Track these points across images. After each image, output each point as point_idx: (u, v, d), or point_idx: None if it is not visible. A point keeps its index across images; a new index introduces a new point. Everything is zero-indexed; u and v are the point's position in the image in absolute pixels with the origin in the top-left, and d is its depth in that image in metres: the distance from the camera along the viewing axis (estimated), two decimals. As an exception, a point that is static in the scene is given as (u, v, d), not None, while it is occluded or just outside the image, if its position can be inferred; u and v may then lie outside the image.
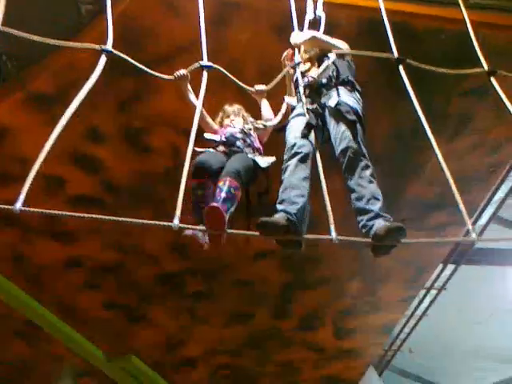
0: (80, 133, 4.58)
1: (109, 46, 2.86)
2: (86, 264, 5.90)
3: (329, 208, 2.34)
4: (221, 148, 3.08)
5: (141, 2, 3.83)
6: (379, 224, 2.41)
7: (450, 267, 7.58)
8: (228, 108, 3.49)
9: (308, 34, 3.38)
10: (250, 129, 3.27)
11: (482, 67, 3.29)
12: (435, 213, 5.64)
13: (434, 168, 5.13)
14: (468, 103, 4.59)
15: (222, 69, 3.11)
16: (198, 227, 2.32)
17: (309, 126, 2.81)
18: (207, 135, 3.16)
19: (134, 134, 4.63)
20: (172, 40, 3.99)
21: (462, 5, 3.77)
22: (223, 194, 2.59)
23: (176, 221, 2.15)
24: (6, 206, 2.00)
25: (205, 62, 3.05)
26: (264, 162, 2.99)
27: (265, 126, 3.30)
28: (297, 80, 3.15)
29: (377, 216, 2.48)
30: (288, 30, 3.62)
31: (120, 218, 2.27)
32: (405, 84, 2.96)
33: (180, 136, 4.30)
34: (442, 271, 7.39)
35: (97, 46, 2.84)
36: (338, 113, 2.84)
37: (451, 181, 2.55)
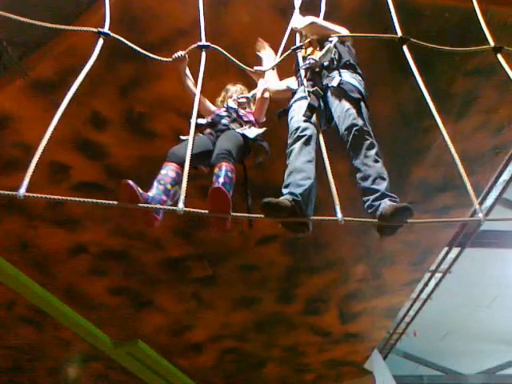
0: (82, 119, 4.57)
1: (106, 28, 2.82)
2: (92, 250, 5.92)
3: (334, 189, 2.31)
4: (207, 130, 3.08)
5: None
6: (385, 204, 2.39)
7: (455, 250, 7.57)
8: (231, 87, 3.48)
9: (308, 19, 3.33)
10: (234, 104, 3.28)
11: (488, 44, 3.24)
12: (440, 195, 5.61)
13: (439, 150, 5.14)
14: (473, 83, 4.54)
15: (219, 48, 3.08)
16: (202, 211, 2.31)
17: (311, 108, 2.78)
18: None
19: (136, 119, 4.61)
20: (173, 23, 3.94)
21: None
22: (221, 179, 2.59)
23: (181, 205, 2.13)
24: (10, 192, 1.98)
25: (203, 42, 3.01)
26: (252, 133, 3.00)
27: (247, 97, 3.29)
28: (297, 64, 3.12)
29: (383, 196, 2.46)
30: (289, 10, 3.59)
31: (123, 204, 2.26)
32: (409, 64, 2.91)
33: (183, 120, 4.26)
34: (447, 254, 7.38)
35: (94, 29, 2.80)
36: (341, 92, 2.81)
37: (458, 161, 2.51)
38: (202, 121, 3.17)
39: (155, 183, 2.65)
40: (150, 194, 2.53)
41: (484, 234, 7.76)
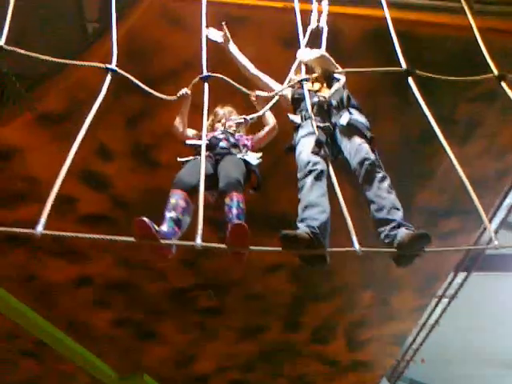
0: (89, 151, 4.59)
1: (113, 64, 2.86)
2: (96, 281, 5.88)
3: (349, 220, 2.32)
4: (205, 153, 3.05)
5: (146, 19, 3.86)
6: (402, 233, 2.40)
7: (461, 275, 7.52)
8: (219, 111, 3.43)
9: (317, 52, 3.36)
10: (231, 126, 3.25)
11: (491, 72, 3.29)
12: (446, 220, 5.61)
13: (444, 175, 5.16)
14: (476, 109, 4.59)
15: (220, 75, 3.09)
16: (221, 245, 2.29)
17: (319, 144, 2.81)
18: (189, 141, 3.14)
19: (142, 150, 4.64)
20: (178, 55, 4.01)
21: (467, 11, 3.79)
22: (235, 211, 2.57)
23: (199, 240, 2.11)
24: (28, 230, 1.97)
25: (204, 73, 3.03)
26: (254, 159, 2.99)
27: (245, 119, 3.27)
28: (302, 96, 3.13)
29: (399, 225, 2.47)
30: (292, 41, 3.64)
31: (144, 241, 2.27)
32: (415, 95, 2.94)
33: (189, 149, 4.31)
34: (453, 279, 7.33)
35: (102, 65, 2.85)
36: (351, 129, 2.84)
37: (468, 185, 2.52)
38: (195, 142, 3.13)
39: (167, 214, 2.61)
40: (164, 228, 2.50)
41: (487, 258, 7.72)
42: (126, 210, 5.08)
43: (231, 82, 3.16)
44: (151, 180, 4.81)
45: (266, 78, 3.48)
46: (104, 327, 6.41)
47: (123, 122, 4.48)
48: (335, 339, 7.17)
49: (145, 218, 2.29)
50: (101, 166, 4.71)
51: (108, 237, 2.20)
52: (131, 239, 2.22)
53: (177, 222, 2.57)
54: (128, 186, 4.93)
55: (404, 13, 3.87)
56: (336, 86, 3.06)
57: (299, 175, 2.77)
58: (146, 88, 3.02)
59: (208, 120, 3.40)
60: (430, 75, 3.11)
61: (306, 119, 3.02)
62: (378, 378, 8.15)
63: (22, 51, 2.61)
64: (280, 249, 2.30)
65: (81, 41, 4.62)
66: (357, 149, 2.73)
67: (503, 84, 3.16)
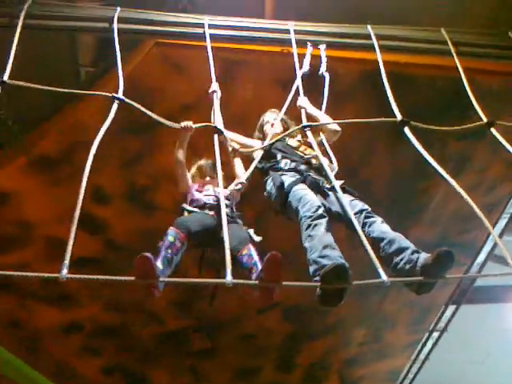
0: (85, 194, 4.53)
1: (120, 94, 2.95)
2: (85, 327, 5.71)
3: (372, 253, 2.32)
4: (209, 211, 3.03)
5: (148, 63, 3.91)
6: (425, 255, 2.42)
7: (450, 308, 7.56)
8: (203, 164, 3.44)
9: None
10: (230, 194, 3.22)
11: (481, 117, 3.42)
12: (436, 254, 5.67)
13: (436, 208, 5.27)
14: (465, 146, 4.73)
15: (226, 135, 3.22)
16: (250, 282, 2.27)
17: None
18: (187, 207, 3.11)
19: (137, 192, 4.61)
20: (178, 99, 4.05)
21: (453, 53, 3.96)
22: (256, 257, 2.60)
23: (229, 277, 2.11)
24: (52, 275, 1.93)
25: (217, 124, 3.11)
26: (257, 238, 2.96)
27: (240, 189, 3.24)
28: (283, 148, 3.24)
29: (418, 250, 2.50)
30: (289, 84, 3.72)
31: (168, 279, 2.33)
32: (412, 143, 3.02)
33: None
34: (443, 312, 7.35)
35: (108, 94, 2.93)
36: (342, 190, 2.92)
37: (477, 210, 2.59)
38: (194, 209, 3.07)
39: (163, 252, 2.60)
40: (159, 264, 2.49)
41: (476, 290, 7.80)
42: (119, 252, 5.00)
43: (231, 142, 3.28)
44: (146, 222, 4.77)
45: (241, 139, 3.52)
46: (93, 375, 6.18)
47: (119, 165, 4.46)
48: (328, 379, 7.06)
49: (148, 254, 2.27)
50: (96, 209, 4.64)
51: (118, 278, 2.21)
52: (132, 278, 2.20)
53: (170, 260, 2.58)
54: (122, 228, 4.86)
55: (397, 55, 4.01)
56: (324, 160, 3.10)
57: (308, 214, 2.77)
58: (154, 115, 3.10)
59: (190, 170, 3.42)
60: (424, 126, 3.20)
61: (289, 168, 3.13)
62: (372, 417, 8.01)
63: (24, 83, 2.60)
64: (316, 284, 2.29)
65: (74, 85, 4.63)
66: (351, 204, 2.83)
67: (493, 130, 3.29)
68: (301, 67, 3.64)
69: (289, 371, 6.85)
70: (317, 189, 3.01)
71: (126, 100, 2.91)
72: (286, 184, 3.03)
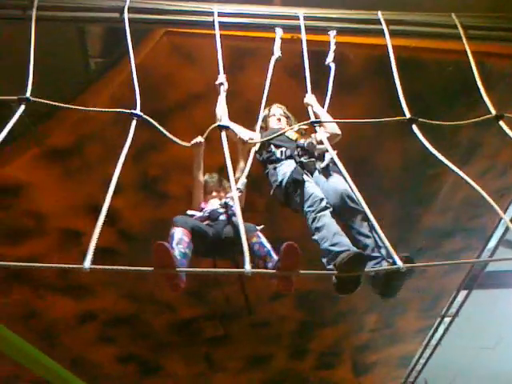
0: (96, 185, 4.56)
1: (138, 109, 2.99)
2: (100, 317, 5.78)
3: (387, 242, 2.34)
4: (205, 222, 3.02)
5: (159, 53, 3.91)
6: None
7: (462, 293, 7.56)
8: (208, 180, 3.42)
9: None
10: (230, 201, 3.18)
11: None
12: (449, 240, 5.68)
13: (446, 196, 5.25)
14: (476, 132, 4.70)
15: (234, 129, 3.19)
16: (270, 271, 2.30)
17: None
18: (190, 212, 3.13)
19: (150, 182, 4.64)
20: (188, 88, 4.06)
21: (463, 37, 3.92)
22: (268, 245, 2.65)
23: (248, 266, 2.13)
24: (76, 266, 1.95)
25: (223, 122, 3.08)
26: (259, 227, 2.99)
27: (241, 191, 3.19)
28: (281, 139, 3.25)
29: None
30: (299, 72, 3.71)
31: (188, 269, 2.34)
32: (420, 141, 3.01)
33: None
34: (454, 298, 7.36)
35: (127, 111, 2.95)
36: (329, 171, 2.98)
37: (488, 198, 2.58)
38: (195, 213, 3.11)
39: (175, 246, 2.60)
40: (177, 256, 2.50)
41: (489, 275, 7.79)
42: (132, 242, 5.05)
43: (238, 132, 3.26)
44: (158, 211, 4.80)
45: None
46: (108, 363, 6.27)
47: (131, 155, 4.48)
48: (341, 364, 7.12)
49: (165, 243, 2.27)
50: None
51: (139, 268, 2.20)
52: (151, 269, 2.20)
53: (184, 255, 2.58)
54: (135, 218, 4.90)
55: (406, 40, 3.98)
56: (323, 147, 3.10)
57: (312, 208, 2.82)
58: (167, 133, 3.14)
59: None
60: (432, 122, 3.17)
61: (286, 156, 3.15)
62: (383, 401, 8.07)
63: (49, 102, 2.62)
64: (334, 272, 2.32)
65: (83, 76, 4.64)
66: (335, 185, 2.87)
67: (501, 123, 3.26)
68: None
69: (301, 358, 6.91)
70: (311, 172, 3.04)
71: (144, 116, 2.95)
72: (285, 178, 3.04)
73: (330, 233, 2.63)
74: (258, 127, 3.39)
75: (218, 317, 6.05)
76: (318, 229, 2.71)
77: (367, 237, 2.65)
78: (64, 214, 4.73)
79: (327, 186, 2.91)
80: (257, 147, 3.30)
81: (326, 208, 2.78)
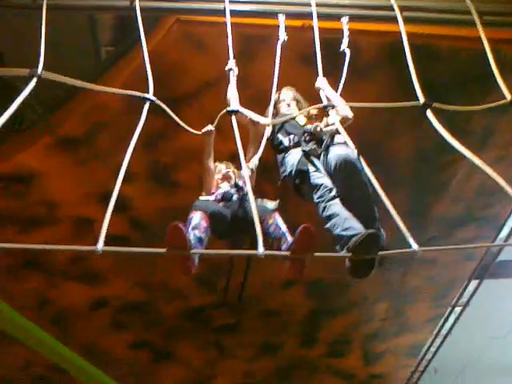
0: (107, 173, 4.58)
1: (151, 94, 2.95)
2: (113, 304, 5.84)
3: (401, 224, 2.31)
4: (221, 204, 3.02)
5: (170, 41, 3.90)
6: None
7: (473, 282, 7.52)
8: (219, 166, 3.42)
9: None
10: (240, 182, 3.19)
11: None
12: (461, 229, 5.65)
13: (459, 184, 5.21)
14: (489, 119, 4.65)
15: (246, 113, 3.16)
16: (283, 252, 2.30)
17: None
18: (202, 197, 3.13)
19: (161, 170, 4.65)
20: (200, 76, 4.05)
21: (478, 23, 3.86)
22: (283, 227, 2.63)
23: (261, 248, 2.11)
24: (88, 248, 1.97)
25: (232, 107, 3.04)
26: (272, 204, 2.98)
27: (252, 171, 3.21)
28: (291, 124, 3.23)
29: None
30: (310, 59, 3.69)
31: (201, 251, 2.36)
32: (434, 127, 2.96)
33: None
34: (465, 287, 7.33)
35: (140, 94, 2.92)
36: (333, 142, 2.97)
37: (504, 183, 2.55)
38: (208, 197, 3.11)
39: (190, 230, 2.59)
40: (192, 239, 2.50)
41: (498, 265, 7.74)
42: (144, 231, 5.08)
43: (251, 116, 3.24)
44: (169, 200, 4.82)
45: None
46: (120, 350, 6.35)
47: (142, 143, 4.49)
48: (351, 353, 7.15)
49: (179, 224, 2.27)
50: (120, 188, 4.70)
51: (150, 250, 2.20)
52: (163, 250, 2.19)
53: (199, 240, 2.57)
54: (146, 207, 4.93)
55: (418, 27, 3.93)
56: (333, 127, 3.08)
57: (321, 199, 2.81)
58: (179, 121, 3.19)
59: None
60: (448, 107, 3.12)
61: (294, 144, 3.13)
62: (393, 390, 8.10)
63: (61, 77, 2.61)
64: (347, 254, 2.31)
65: (95, 65, 4.65)
66: (338, 152, 2.86)
67: None
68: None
69: (311, 346, 6.94)
70: (319, 156, 3.02)
71: (157, 102, 2.92)
72: (293, 169, 3.03)
73: (341, 219, 2.62)
74: (270, 110, 3.36)
75: (228, 305, 6.08)
76: (328, 217, 2.71)
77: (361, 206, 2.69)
78: (76, 202, 4.77)
79: (329, 155, 2.90)
80: (269, 133, 3.28)
81: (334, 197, 2.78)
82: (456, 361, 10.51)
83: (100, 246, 2.00)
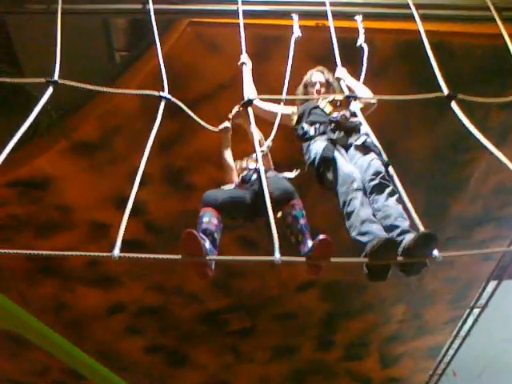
0: (122, 177, 4.58)
1: (166, 92, 2.92)
2: (128, 308, 5.84)
3: (421, 226, 2.27)
4: (242, 188, 3.00)
5: (183, 44, 3.90)
6: (410, 236, 2.35)
7: (491, 284, 7.41)
8: (239, 162, 3.37)
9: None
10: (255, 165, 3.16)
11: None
12: (479, 228, 5.57)
13: (477, 183, 5.13)
14: (507, 115, 4.58)
15: (260, 105, 3.18)
16: (299, 258, 2.26)
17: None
18: (224, 187, 3.05)
19: (175, 173, 4.64)
20: (214, 78, 4.04)
21: (497, 19, 3.80)
22: (302, 221, 2.57)
23: (277, 255, 2.09)
24: (105, 254, 1.95)
25: (246, 97, 3.00)
26: (291, 174, 3.01)
27: (262, 151, 3.13)
28: (316, 112, 3.18)
29: (407, 231, 2.43)
30: (324, 58, 3.66)
31: (217, 257, 2.30)
32: (460, 119, 2.91)
33: (221, 171, 4.32)
34: (484, 288, 7.22)
35: (156, 93, 2.89)
36: (366, 147, 2.86)
37: None
38: (229, 186, 3.04)
39: (202, 234, 2.51)
40: (206, 244, 2.47)
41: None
42: (159, 234, 5.07)
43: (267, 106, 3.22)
44: (184, 203, 4.80)
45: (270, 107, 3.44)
46: (136, 354, 6.35)
47: (156, 146, 4.49)
48: (368, 356, 7.07)
49: (194, 231, 2.24)
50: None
51: (166, 256, 2.14)
52: (178, 257, 2.16)
53: (213, 241, 2.52)
54: (161, 210, 4.92)
55: (435, 25, 3.88)
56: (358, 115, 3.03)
57: (343, 189, 2.72)
58: (196, 118, 3.10)
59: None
60: (472, 98, 3.06)
61: (319, 133, 3.05)
62: (411, 393, 8.00)
63: (77, 84, 2.61)
64: (365, 259, 2.27)
65: (109, 70, 4.66)
66: (369, 164, 2.76)
67: None
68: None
69: (328, 349, 6.88)
70: (346, 147, 2.94)
71: (173, 99, 2.89)
72: (317, 156, 2.94)
73: (358, 221, 2.55)
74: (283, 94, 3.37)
75: (244, 308, 6.05)
76: (348, 215, 2.64)
77: (391, 207, 2.57)
78: (92, 206, 4.78)
79: (361, 162, 2.81)
80: (294, 122, 3.25)
81: (357, 190, 2.69)
82: (475, 363, 10.37)
83: (116, 252, 1.97)
